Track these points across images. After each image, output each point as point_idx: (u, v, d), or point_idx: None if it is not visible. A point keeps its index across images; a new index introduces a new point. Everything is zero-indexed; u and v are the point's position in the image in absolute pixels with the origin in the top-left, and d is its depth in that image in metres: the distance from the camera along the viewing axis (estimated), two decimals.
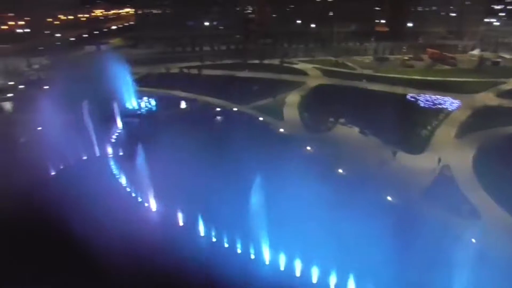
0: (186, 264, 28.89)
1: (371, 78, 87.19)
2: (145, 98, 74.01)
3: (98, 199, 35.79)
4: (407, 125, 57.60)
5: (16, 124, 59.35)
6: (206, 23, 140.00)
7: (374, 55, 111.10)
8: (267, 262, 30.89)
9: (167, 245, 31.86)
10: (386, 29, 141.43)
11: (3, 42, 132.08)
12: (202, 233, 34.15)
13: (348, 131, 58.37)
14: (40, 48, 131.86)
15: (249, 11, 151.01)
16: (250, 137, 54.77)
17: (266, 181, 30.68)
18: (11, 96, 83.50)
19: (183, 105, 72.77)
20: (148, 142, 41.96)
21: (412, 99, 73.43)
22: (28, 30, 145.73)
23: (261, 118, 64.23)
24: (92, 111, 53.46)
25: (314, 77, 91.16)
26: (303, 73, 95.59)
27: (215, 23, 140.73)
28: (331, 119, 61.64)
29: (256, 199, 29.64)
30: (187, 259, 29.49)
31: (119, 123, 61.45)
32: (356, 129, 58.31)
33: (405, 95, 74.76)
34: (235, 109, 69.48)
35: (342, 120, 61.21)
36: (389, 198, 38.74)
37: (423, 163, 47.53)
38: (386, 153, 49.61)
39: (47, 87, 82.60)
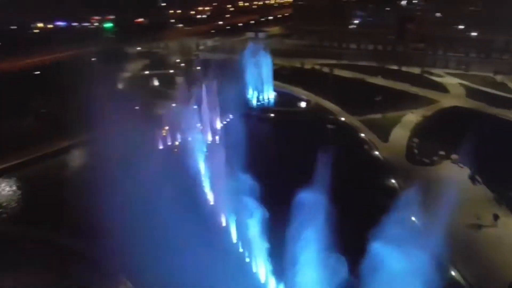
0: None
1: None
2: (266, 93, 76.60)
3: None
4: None
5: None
6: (360, 20, 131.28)
7: None
8: None
9: None
10: None
11: (187, 25, 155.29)
12: None
13: (455, 172, 47.17)
14: (212, 31, 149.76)
15: (417, 8, 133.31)
16: (336, 155, 50.92)
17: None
18: (173, 72, 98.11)
19: (296, 105, 72.08)
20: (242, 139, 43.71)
21: None
22: (207, 15, 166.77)
23: (362, 134, 58.23)
24: (216, 96, 59.46)
25: (454, 97, 75.56)
26: (442, 89, 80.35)
27: (371, 19, 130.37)
28: (442, 152, 50.99)
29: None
30: None
31: (231, 114, 65.69)
32: (466, 172, 46.65)
33: None
34: (343, 118, 64.90)
35: (454, 156, 49.91)
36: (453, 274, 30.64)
37: None
38: (489, 214, 38.58)
39: (199, 68, 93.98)
